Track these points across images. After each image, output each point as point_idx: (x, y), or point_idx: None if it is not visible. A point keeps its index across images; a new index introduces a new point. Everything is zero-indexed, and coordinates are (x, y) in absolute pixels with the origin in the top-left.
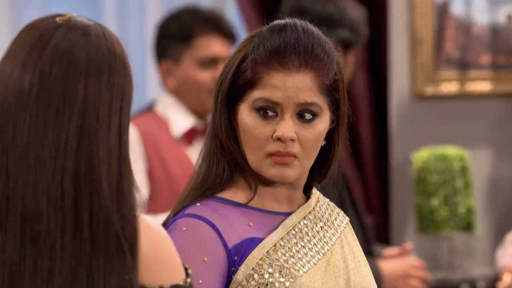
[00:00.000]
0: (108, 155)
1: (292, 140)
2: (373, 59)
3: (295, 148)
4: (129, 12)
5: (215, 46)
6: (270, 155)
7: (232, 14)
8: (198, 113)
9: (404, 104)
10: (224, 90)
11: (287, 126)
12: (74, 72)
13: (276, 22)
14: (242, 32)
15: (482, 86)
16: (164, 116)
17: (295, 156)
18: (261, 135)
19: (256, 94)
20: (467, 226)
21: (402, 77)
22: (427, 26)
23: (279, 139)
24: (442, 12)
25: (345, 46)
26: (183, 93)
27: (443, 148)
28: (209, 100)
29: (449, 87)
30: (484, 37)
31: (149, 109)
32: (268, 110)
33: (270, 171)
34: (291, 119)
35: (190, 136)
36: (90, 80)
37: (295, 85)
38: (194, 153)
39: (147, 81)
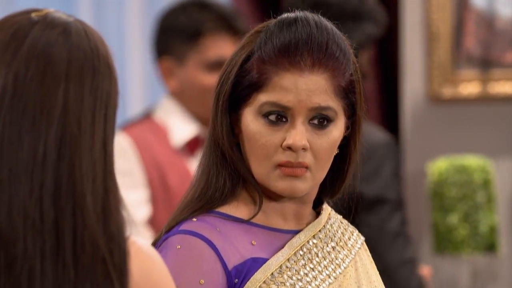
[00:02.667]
0: (92, 169)
1: (304, 149)
2: (383, 57)
3: (307, 158)
4: (107, 8)
5: (225, 48)
6: (279, 166)
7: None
8: (202, 120)
9: (418, 108)
10: (226, 92)
11: (299, 134)
12: (52, 74)
13: (285, 15)
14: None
15: (506, 87)
16: (164, 124)
17: (307, 167)
18: (269, 143)
19: (264, 97)
20: (490, 247)
21: (416, 78)
22: (444, 19)
23: (289, 148)
24: (462, 4)
25: (371, 42)
26: (186, 97)
27: (463, 157)
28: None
29: (470, 88)
30: (509, 32)
31: (147, 115)
32: (277, 115)
33: (279, 184)
34: (303, 125)
35: (192, 146)
36: (71, 84)
37: (307, 87)
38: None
39: (127, 84)
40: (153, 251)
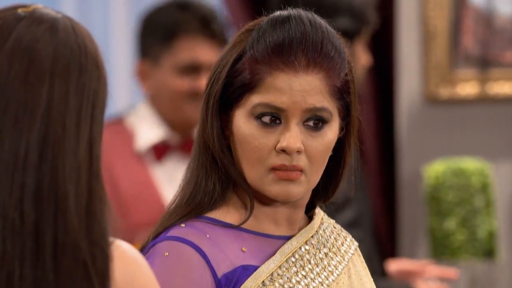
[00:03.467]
0: (76, 171)
1: (299, 152)
2: (378, 56)
3: (301, 161)
4: (91, 4)
5: (199, 52)
6: (273, 169)
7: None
8: (174, 125)
9: (414, 109)
10: (217, 93)
11: (293, 136)
12: (37, 72)
13: (278, 13)
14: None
15: (506, 87)
16: (132, 128)
17: (301, 171)
18: (262, 146)
19: (256, 98)
20: (489, 253)
21: (412, 78)
22: (441, 17)
23: (283, 150)
24: (460, 1)
25: (348, 37)
26: (158, 100)
27: (460, 160)
28: (185, 111)
29: (468, 89)
30: (508, 30)
31: (119, 118)
32: (270, 117)
33: (273, 188)
34: (297, 127)
35: (159, 151)
36: (56, 82)
37: (302, 88)
38: (162, 172)
39: (113, 83)
40: (138, 256)
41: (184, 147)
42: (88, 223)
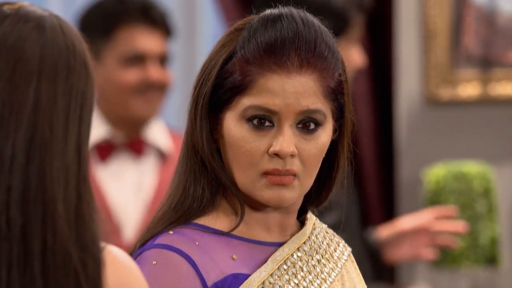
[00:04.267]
0: (64, 173)
1: (292, 155)
2: (376, 55)
3: (295, 166)
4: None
5: (142, 40)
6: (265, 174)
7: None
8: (120, 123)
9: (414, 111)
10: (206, 95)
11: (286, 140)
12: (23, 71)
13: (268, 11)
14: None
15: (508, 88)
16: None
17: (294, 175)
18: (254, 150)
19: (248, 101)
20: (491, 260)
21: (411, 78)
22: (442, 15)
23: (276, 154)
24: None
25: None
26: (103, 99)
27: (462, 164)
28: (133, 107)
29: (469, 89)
30: (511, 29)
31: None
32: (262, 120)
33: (266, 193)
34: (291, 130)
35: (103, 151)
36: (43, 82)
37: (295, 89)
38: (107, 172)
39: None
40: (130, 261)
41: (130, 146)
42: (78, 228)
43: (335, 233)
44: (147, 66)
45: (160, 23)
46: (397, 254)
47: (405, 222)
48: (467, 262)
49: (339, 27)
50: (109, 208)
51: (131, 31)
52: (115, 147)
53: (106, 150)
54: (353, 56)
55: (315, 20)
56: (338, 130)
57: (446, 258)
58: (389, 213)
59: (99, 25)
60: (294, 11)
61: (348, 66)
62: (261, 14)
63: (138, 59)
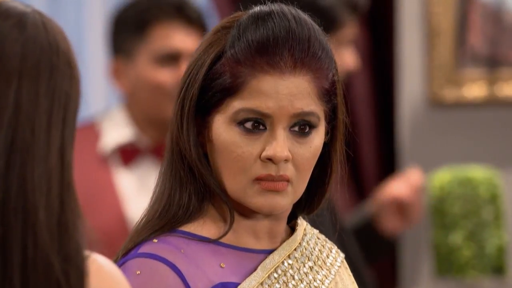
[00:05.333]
0: (46, 180)
1: (286, 160)
2: (377, 55)
3: (288, 171)
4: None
5: (176, 38)
6: (258, 180)
7: None
8: (148, 127)
9: (417, 113)
10: (193, 97)
11: (280, 144)
12: (3, 71)
13: (258, 8)
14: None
15: None
16: (100, 128)
17: (288, 181)
18: (245, 155)
19: (239, 103)
20: (498, 269)
21: (414, 78)
22: (446, 13)
23: (269, 159)
24: None
25: None
26: (135, 99)
27: (467, 169)
28: (167, 108)
29: (475, 90)
30: None
31: (90, 121)
32: (254, 123)
33: (258, 200)
34: (284, 133)
35: (127, 154)
36: (25, 82)
37: (289, 91)
38: (129, 178)
39: (87, 84)
40: (115, 270)
41: (156, 151)
42: (60, 238)
43: (327, 239)
44: (181, 65)
45: (195, 21)
46: (387, 225)
47: (387, 191)
48: (473, 272)
49: (327, 26)
50: (127, 215)
51: (165, 29)
52: (139, 151)
53: (130, 154)
54: (344, 57)
55: (307, 17)
56: (330, 132)
57: (451, 267)
58: None
59: (133, 22)
60: (285, 8)
61: (339, 68)
62: (250, 11)
63: (172, 57)
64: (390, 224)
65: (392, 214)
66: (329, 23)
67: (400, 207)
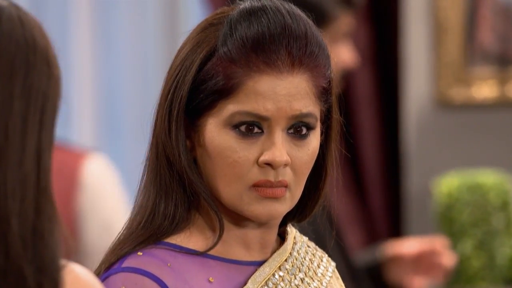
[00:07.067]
0: (20, 186)
1: (286, 165)
2: (380, 52)
3: (287, 176)
4: None
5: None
6: (255, 186)
7: None
8: None
9: (423, 114)
10: (182, 100)
11: (279, 148)
12: None
13: (248, 3)
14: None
15: None
16: None
17: (286, 186)
18: (242, 160)
19: (234, 106)
20: (509, 280)
21: (421, 78)
22: (454, 7)
23: (268, 164)
24: None
25: None
26: None
27: (477, 173)
28: None
29: (485, 90)
30: None
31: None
32: (251, 126)
33: (255, 208)
34: (282, 136)
35: None
36: None
37: (288, 91)
38: None
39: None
40: (94, 281)
41: None
42: (34, 246)
43: (317, 247)
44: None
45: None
46: (394, 277)
47: (409, 245)
48: (483, 283)
49: (317, 20)
50: None
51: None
52: None
53: None
54: (340, 53)
55: (301, 13)
56: (325, 132)
57: (460, 278)
58: (396, 229)
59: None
60: (277, 2)
61: (334, 64)
62: (241, 6)
63: None
64: (396, 277)
65: (410, 271)
66: (320, 17)
67: (418, 263)
